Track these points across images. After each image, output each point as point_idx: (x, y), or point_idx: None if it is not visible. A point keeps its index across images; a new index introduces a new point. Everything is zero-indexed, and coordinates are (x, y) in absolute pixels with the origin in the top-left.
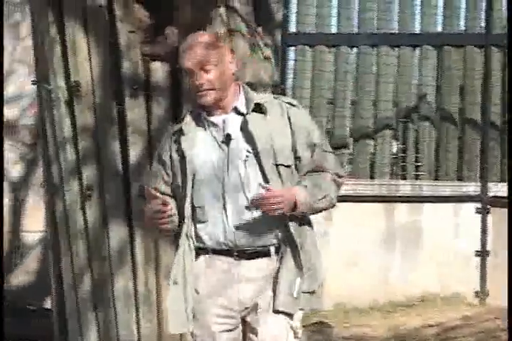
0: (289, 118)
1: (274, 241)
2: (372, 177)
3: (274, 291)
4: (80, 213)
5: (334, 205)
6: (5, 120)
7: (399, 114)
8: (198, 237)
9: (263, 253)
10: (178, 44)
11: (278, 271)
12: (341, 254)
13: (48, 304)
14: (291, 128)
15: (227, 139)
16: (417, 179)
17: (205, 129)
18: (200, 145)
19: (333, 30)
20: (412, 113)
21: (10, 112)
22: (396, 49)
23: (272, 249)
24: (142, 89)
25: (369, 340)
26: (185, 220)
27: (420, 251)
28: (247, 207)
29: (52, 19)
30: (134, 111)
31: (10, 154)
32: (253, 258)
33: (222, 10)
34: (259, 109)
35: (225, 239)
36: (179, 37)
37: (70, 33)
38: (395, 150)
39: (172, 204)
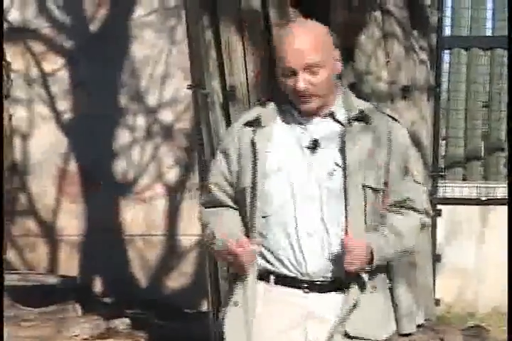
0: (389, 136)
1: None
2: None
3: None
4: None
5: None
6: (162, 124)
7: None
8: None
9: (336, 286)
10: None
11: (350, 311)
12: (497, 256)
13: (204, 307)
14: (389, 146)
15: (314, 145)
16: None
17: (289, 126)
18: (277, 144)
19: (488, 32)
20: None
21: (166, 116)
22: None
23: (347, 282)
24: None
25: None
26: (252, 232)
27: None
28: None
29: (207, 23)
30: None
31: (166, 158)
32: (325, 292)
33: (377, 13)
34: (361, 117)
35: (290, 262)
36: (335, 40)
37: (225, 37)
38: None
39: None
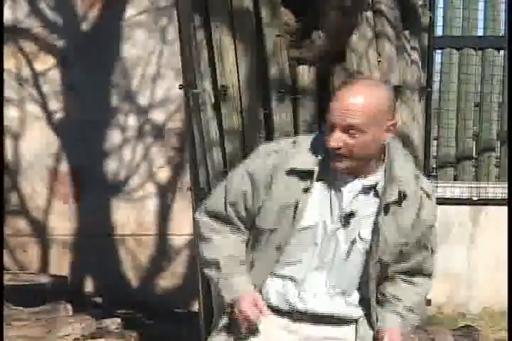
0: (417, 213)
1: (351, 313)
2: None
3: None
4: None
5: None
6: (153, 124)
7: None
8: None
9: (331, 322)
10: (325, 48)
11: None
12: (489, 258)
13: (195, 307)
14: (414, 223)
15: (348, 217)
16: None
17: (330, 189)
18: (314, 204)
19: (480, 33)
20: None
21: (157, 116)
22: None
23: (342, 321)
24: (289, 93)
25: None
26: (259, 269)
27: None
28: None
29: (198, 23)
30: (281, 115)
31: (157, 158)
32: (319, 324)
33: (369, 14)
34: (397, 200)
35: (286, 311)
36: (326, 40)
37: (217, 37)
38: None
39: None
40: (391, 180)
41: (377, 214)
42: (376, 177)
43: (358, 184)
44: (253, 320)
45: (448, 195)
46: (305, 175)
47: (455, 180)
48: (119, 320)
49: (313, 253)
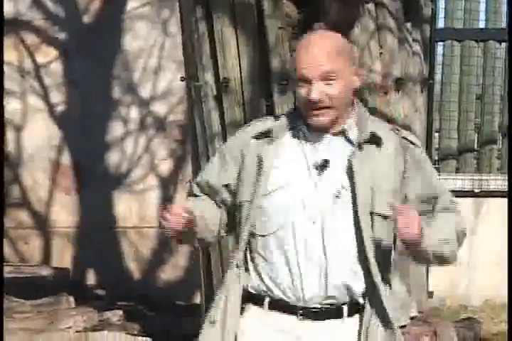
0: (405, 160)
1: (350, 297)
2: None
3: None
4: None
5: (453, 262)
6: (155, 116)
7: None
8: (254, 273)
9: (334, 313)
10: None
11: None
12: (490, 251)
13: (197, 300)
14: (405, 172)
15: (322, 165)
16: None
17: (298, 143)
18: (284, 161)
19: (482, 25)
20: None
21: (159, 109)
22: None
23: (345, 309)
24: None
25: None
26: (251, 251)
27: None
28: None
29: (200, 15)
30: (283, 107)
31: (159, 150)
32: (320, 320)
33: (370, 5)
34: (373, 139)
35: (287, 286)
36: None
37: (219, 30)
38: None
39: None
40: (362, 125)
41: (352, 156)
42: (345, 125)
43: (327, 133)
44: (169, 225)
45: (450, 186)
46: (268, 135)
47: (457, 172)
48: (120, 312)
49: (296, 215)
